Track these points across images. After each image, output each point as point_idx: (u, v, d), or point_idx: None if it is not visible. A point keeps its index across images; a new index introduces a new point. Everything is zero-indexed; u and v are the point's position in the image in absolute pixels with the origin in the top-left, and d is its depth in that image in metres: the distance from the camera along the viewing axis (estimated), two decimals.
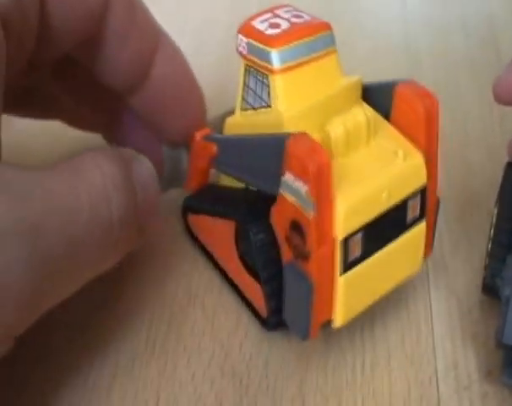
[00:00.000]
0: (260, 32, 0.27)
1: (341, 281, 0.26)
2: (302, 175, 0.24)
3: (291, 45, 0.27)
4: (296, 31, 0.27)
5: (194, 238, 0.34)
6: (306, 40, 0.27)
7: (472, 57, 0.46)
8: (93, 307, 0.31)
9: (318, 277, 0.25)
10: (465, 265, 0.33)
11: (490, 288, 0.29)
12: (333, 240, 0.25)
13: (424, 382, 0.28)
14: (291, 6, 0.29)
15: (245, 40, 0.27)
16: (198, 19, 0.51)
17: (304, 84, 0.27)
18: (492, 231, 0.30)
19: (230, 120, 0.30)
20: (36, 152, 0.38)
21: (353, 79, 0.28)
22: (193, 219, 0.34)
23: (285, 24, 0.27)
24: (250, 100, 0.28)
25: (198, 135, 0.32)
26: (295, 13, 0.28)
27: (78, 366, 0.29)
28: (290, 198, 0.25)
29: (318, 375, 0.29)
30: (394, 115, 0.28)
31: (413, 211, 0.27)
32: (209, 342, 0.30)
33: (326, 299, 0.26)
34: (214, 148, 0.30)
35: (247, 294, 0.31)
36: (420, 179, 0.27)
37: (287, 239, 0.26)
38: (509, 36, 0.48)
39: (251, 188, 0.30)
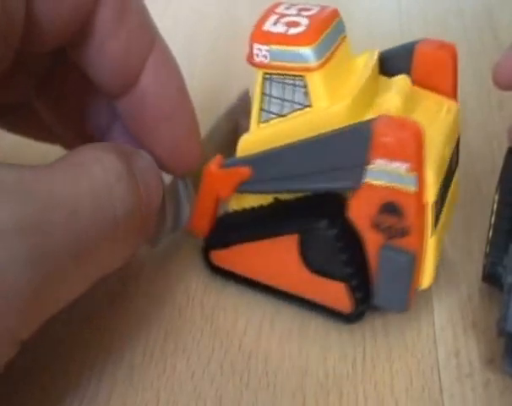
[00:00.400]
0: (283, 35, 0.26)
1: (431, 242, 0.27)
2: (399, 155, 0.25)
3: (321, 39, 0.26)
4: (319, 24, 0.27)
5: (224, 273, 0.32)
6: (328, 31, 0.27)
7: (470, 42, 0.46)
8: (95, 304, 0.31)
9: (418, 247, 0.27)
10: (465, 253, 0.33)
11: (491, 277, 0.29)
12: (426, 207, 0.26)
13: (426, 372, 0.28)
14: (283, 2, 0.29)
15: (265, 47, 0.27)
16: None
17: (338, 74, 0.27)
18: (492, 218, 0.30)
19: (247, 138, 0.29)
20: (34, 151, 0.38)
21: (374, 55, 0.29)
22: (224, 254, 0.31)
23: (303, 21, 0.27)
24: (275, 108, 0.28)
25: (213, 166, 0.30)
26: (299, 7, 0.28)
27: (80, 365, 0.29)
28: (380, 182, 0.26)
29: (319, 369, 0.28)
30: (416, 74, 0.29)
31: (455, 159, 0.30)
32: (208, 341, 0.30)
33: (419, 266, 0.28)
34: (245, 171, 0.29)
35: (319, 300, 0.30)
36: (458, 128, 0.29)
37: (375, 226, 0.27)
38: (507, 21, 0.48)
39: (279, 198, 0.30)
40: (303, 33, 0.26)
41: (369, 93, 0.28)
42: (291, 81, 0.27)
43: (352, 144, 0.26)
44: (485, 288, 0.30)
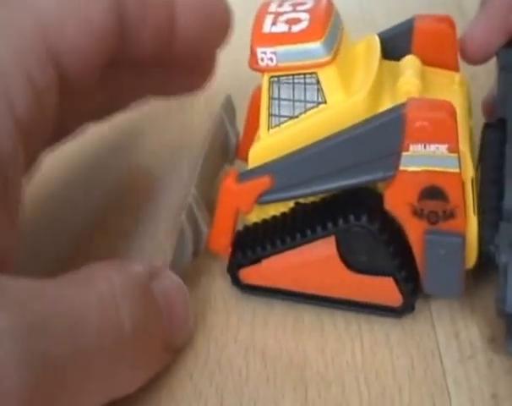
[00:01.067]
0: (287, 34, 0.26)
1: (474, 219, 0.27)
2: (436, 137, 0.25)
3: (327, 32, 0.26)
4: (321, 17, 0.26)
5: (257, 290, 0.30)
6: (331, 23, 0.27)
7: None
8: None
9: (465, 227, 0.26)
10: None
11: (484, 256, 0.28)
12: (467, 184, 0.26)
13: (427, 356, 0.28)
14: (273, 1, 0.28)
15: (271, 50, 0.26)
16: None
17: (347, 65, 0.27)
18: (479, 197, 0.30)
19: (258, 147, 0.28)
20: None
21: (375, 41, 0.29)
22: (255, 270, 0.30)
23: (303, 16, 0.26)
24: (285, 111, 0.27)
25: (230, 181, 0.28)
26: (291, 2, 0.27)
27: None
28: (417, 168, 0.25)
29: (318, 361, 0.28)
30: (418, 52, 0.29)
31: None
32: (202, 342, 0.29)
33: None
34: (266, 180, 0.28)
35: (366, 299, 0.29)
36: (469, 97, 0.29)
37: (417, 212, 0.26)
38: None
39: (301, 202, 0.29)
40: (309, 28, 0.26)
41: (382, 80, 0.28)
42: (302, 80, 0.26)
43: (384, 133, 0.25)
44: (478, 266, 0.30)
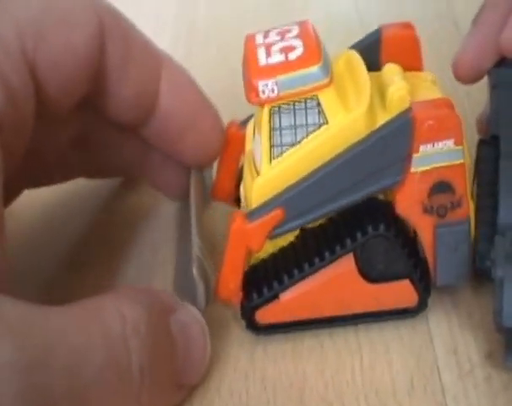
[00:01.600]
0: (286, 63, 0.26)
1: (471, 204, 0.28)
2: (443, 133, 0.26)
3: (323, 54, 0.26)
4: (314, 42, 0.27)
5: (274, 328, 0.30)
6: (322, 45, 0.27)
7: (429, 29, 0.46)
8: None
9: (469, 212, 0.28)
10: None
11: (481, 270, 0.29)
12: (467, 171, 0.27)
13: (426, 372, 0.28)
14: (253, 33, 0.28)
15: (272, 81, 0.26)
16: None
17: (339, 82, 0.27)
18: (475, 212, 0.30)
19: (261, 182, 0.27)
20: None
21: (356, 55, 0.29)
22: (273, 308, 0.29)
23: (295, 42, 0.26)
24: (287, 139, 0.27)
25: (240, 222, 0.27)
26: (276, 32, 0.28)
27: None
28: (429, 167, 0.26)
29: (318, 382, 0.28)
30: (386, 58, 0.30)
31: None
32: None
33: None
34: (278, 214, 0.27)
35: (383, 307, 0.29)
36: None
37: (428, 209, 0.27)
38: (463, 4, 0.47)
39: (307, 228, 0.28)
40: (305, 54, 0.26)
41: (375, 85, 0.28)
42: (302, 105, 0.26)
43: (393, 140, 0.26)
44: (476, 280, 0.30)
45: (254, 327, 0.29)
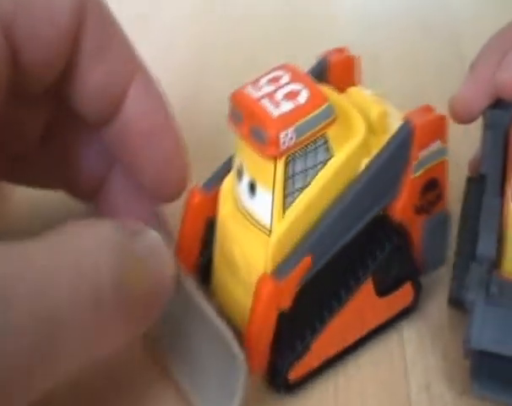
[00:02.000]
0: (298, 108, 0.25)
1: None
2: (437, 135, 0.28)
3: (323, 91, 0.26)
4: (310, 82, 0.26)
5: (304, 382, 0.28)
6: (316, 82, 0.27)
7: (434, 58, 0.46)
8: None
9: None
10: (435, 280, 0.32)
11: (457, 301, 0.29)
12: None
13: None
14: (245, 85, 0.26)
15: (291, 129, 0.25)
16: None
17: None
18: (456, 244, 0.31)
19: (277, 239, 0.26)
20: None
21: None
22: (304, 361, 0.28)
23: (296, 86, 0.26)
24: (299, 184, 0.26)
25: (269, 284, 0.25)
26: (267, 80, 0.26)
27: None
28: (423, 170, 0.28)
29: None
30: (334, 82, 0.30)
31: None
32: None
33: None
34: (308, 261, 0.26)
35: (392, 313, 0.30)
36: None
37: (419, 209, 0.29)
38: (470, 34, 0.48)
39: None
40: (312, 95, 0.25)
41: (356, 106, 0.28)
42: (313, 146, 0.26)
43: (399, 153, 0.27)
44: (454, 315, 0.30)
45: (287, 386, 0.28)
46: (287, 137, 0.25)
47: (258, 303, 0.26)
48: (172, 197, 0.30)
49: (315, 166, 0.26)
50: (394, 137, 0.27)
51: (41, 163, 0.32)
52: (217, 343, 0.25)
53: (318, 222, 0.26)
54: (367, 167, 0.27)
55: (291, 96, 0.26)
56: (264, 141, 0.25)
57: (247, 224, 0.27)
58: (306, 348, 0.27)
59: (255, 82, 0.26)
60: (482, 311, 0.26)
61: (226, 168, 0.29)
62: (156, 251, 0.25)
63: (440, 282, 0.32)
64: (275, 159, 0.25)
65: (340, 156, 0.27)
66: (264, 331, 0.26)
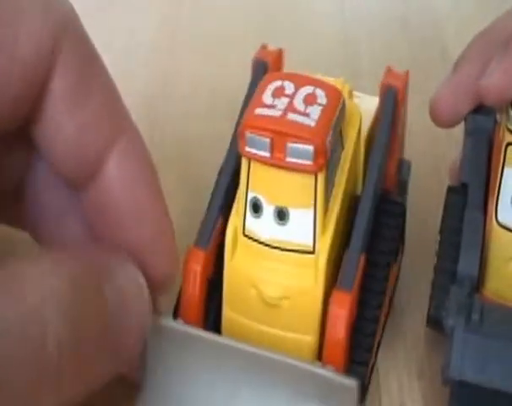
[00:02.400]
0: (325, 110, 0.24)
1: None
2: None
3: (328, 82, 0.26)
4: (317, 80, 0.25)
5: None
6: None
7: (415, 56, 0.45)
8: None
9: None
10: (411, 297, 0.31)
11: (434, 321, 0.28)
12: None
13: None
14: (255, 108, 0.25)
15: (331, 133, 0.24)
16: None
17: None
18: (436, 259, 0.29)
19: (329, 249, 0.25)
20: None
21: None
22: None
23: (307, 89, 0.25)
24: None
25: (340, 295, 0.25)
26: (274, 91, 0.25)
27: None
28: None
29: None
30: None
31: None
32: None
33: None
34: (362, 260, 0.26)
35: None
36: None
37: None
38: (453, 32, 0.47)
39: None
40: (329, 91, 0.25)
41: None
42: (337, 144, 0.26)
43: (391, 118, 0.28)
44: (430, 333, 0.29)
45: None
46: (329, 143, 0.24)
47: (332, 317, 0.25)
48: (158, 286, 0.25)
49: (334, 161, 0.26)
50: (384, 105, 0.28)
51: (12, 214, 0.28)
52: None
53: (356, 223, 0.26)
54: (378, 141, 0.27)
55: (311, 100, 0.24)
56: (308, 156, 0.23)
57: (277, 254, 0.26)
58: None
59: (258, 102, 0.24)
60: (462, 339, 0.25)
61: (212, 219, 0.27)
62: (125, 294, 0.23)
63: (417, 294, 0.31)
64: (315, 173, 0.24)
65: (349, 145, 0.26)
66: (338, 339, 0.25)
